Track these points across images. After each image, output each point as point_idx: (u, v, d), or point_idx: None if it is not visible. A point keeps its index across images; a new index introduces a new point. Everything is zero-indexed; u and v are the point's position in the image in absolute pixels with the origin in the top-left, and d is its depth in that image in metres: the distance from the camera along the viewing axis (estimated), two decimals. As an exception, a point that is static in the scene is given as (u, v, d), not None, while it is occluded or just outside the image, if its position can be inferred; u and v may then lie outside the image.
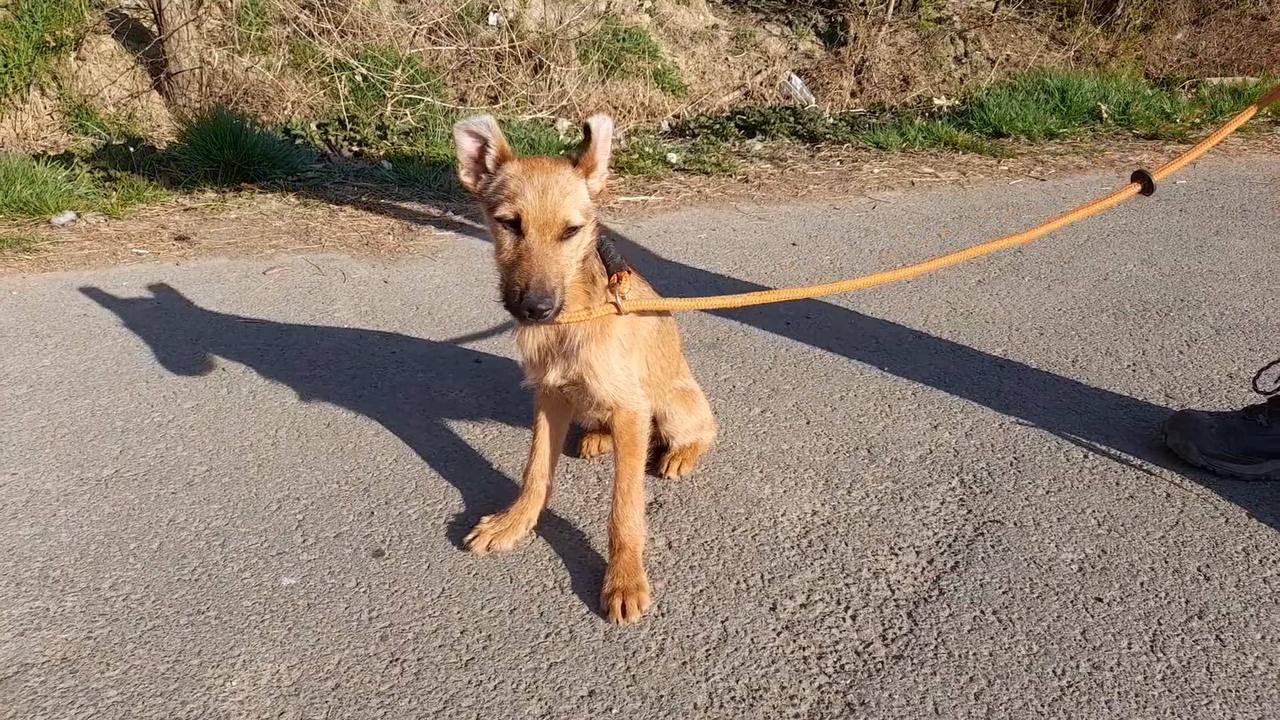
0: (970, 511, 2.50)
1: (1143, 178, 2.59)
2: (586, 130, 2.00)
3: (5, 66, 6.61)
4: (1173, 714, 1.84)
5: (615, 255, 2.16)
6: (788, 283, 4.17)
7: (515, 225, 1.92)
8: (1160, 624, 2.09)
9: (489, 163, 2.00)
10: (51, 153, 6.16)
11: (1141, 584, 2.22)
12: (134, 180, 5.14)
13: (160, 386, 3.11)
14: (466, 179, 2.04)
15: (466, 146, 2.00)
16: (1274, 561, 2.30)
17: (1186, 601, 2.16)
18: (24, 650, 1.97)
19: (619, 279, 2.11)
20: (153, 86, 7.19)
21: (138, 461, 2.68)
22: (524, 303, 1.87)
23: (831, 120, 7.55)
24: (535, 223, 1.91)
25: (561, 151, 5.97)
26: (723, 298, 2.53)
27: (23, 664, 1.93)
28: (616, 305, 2.10)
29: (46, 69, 6.86)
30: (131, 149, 6.06)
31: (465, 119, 2.00)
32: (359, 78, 6.98)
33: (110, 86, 7.07)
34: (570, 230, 1.94)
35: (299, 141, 6.06)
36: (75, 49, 7.04)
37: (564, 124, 7.28)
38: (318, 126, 6.37)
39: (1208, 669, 1.96)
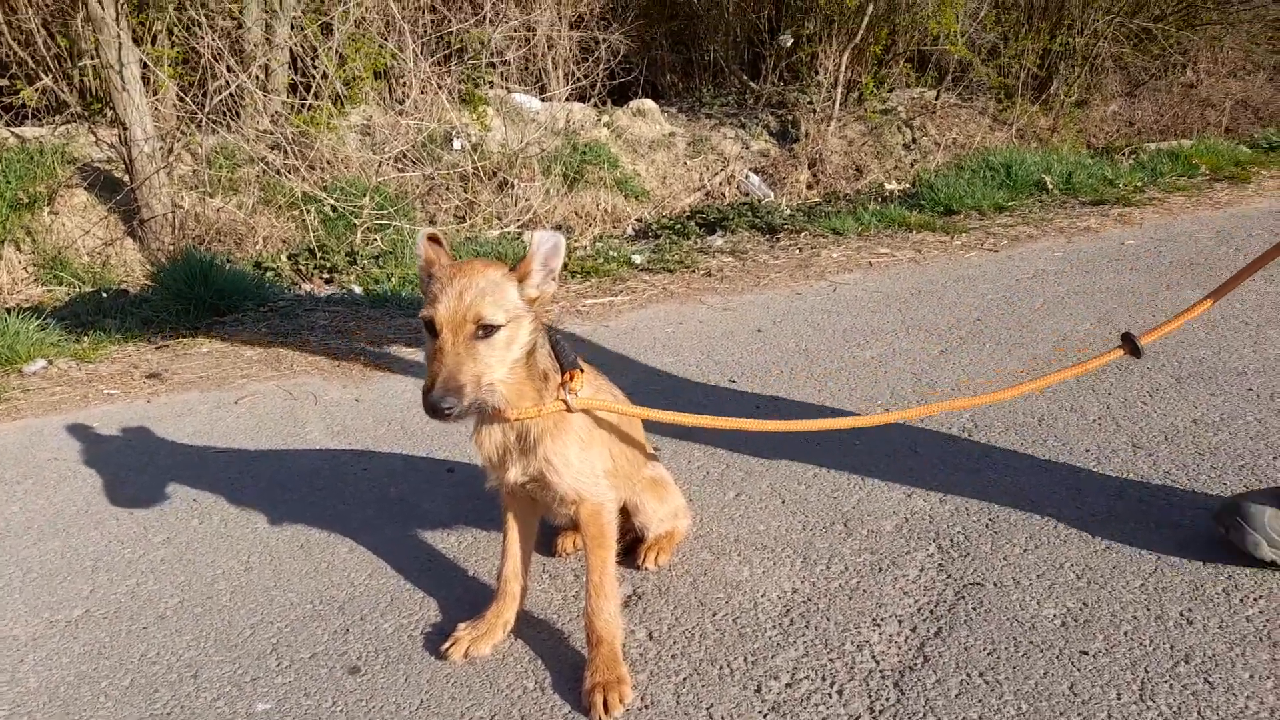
0: (950, 576, 2.49)
1: (1129, 341, 2.42)
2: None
3: (-21, 227, 6.75)
4: (1168, 762, 1.81)
5: (570, 354, 2.20)
6: (754, 369, 4.23)
7: (430, 326, 1.96)
8: (1147, 672, 2.07)
9: (420, 272, 2.08)
10: (25, 305, 6.24)
11: (1125, 633, 2.21)
12: (105, 324, 5.20)
13: (131, 523, 3.08)
14: (423, 289, 2.10)
15: (420, 259, 2.10)
16: (1255, 599, 2.29)
17: (1172, 647, 2.15)
18: (-13, 804, 1.90)
19: (570, 377, 2.15)
20: (126, 233, 7.34)
21: (108, 599, 2.63)
22: (427, 400, 1.87)
23: (789, 211, 7.78)
24: (448, 323, 1.92)
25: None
26: (673, 413, 2.48)
27: (-14, 818, 1.86)
28: (566, 403, 2.13)
29: (20, 225, 7.01)
30: (104, 294, 6.15)
31: (419, 232, 2.09)
32: (328, 208, 7.17)
33: (84, 236, 7.21)
34: (488, 329, 1.94)
35: (269, 273, 6.17)
36: (49, 203, 7.21)
37: (529, 235, 7.46)
38: (288, 257, 6.50)
39: (1199, 713, 1.93)
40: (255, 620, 2.50)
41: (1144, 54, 10.88)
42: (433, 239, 2.10)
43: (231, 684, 2.24)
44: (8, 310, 5.67)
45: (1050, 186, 7.79)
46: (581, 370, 2.20)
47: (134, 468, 3.51)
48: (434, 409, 1.86)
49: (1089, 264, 5.67)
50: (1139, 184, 7.81)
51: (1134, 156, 8.95)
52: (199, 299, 5.41)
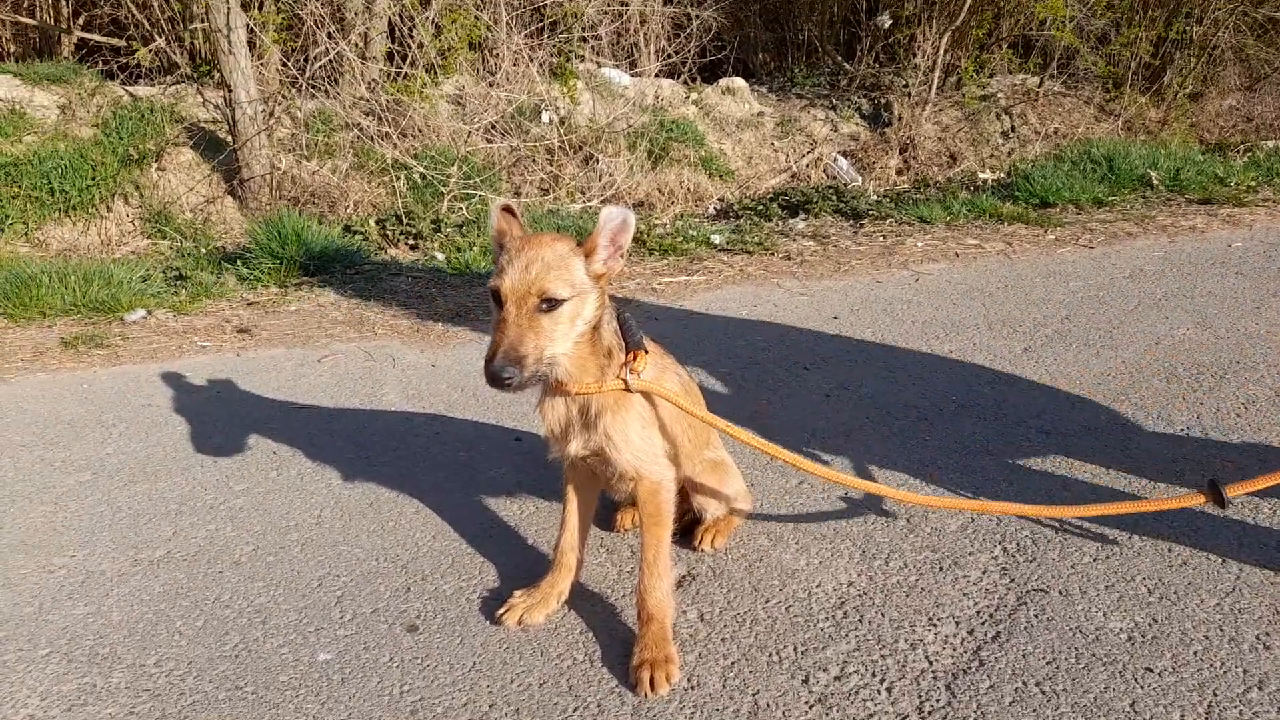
0: (1013, 580, 2.43)
1: (1215, 490, 2.22)
2: None
3: (94, 179, 7.10)
4: (1230, 790, 1.74)
5: (636, 333, 2.21)
6: (827, 357, 4.18)
7: (496, 297, 1.99)
8: (1216, 695, 1.99)
9: (492, 241, 2.13)
10: (130, 257, 6.56)
11: (1195, 653, 2.12)
12: (202, 278, 5.43)
13: (214, 470, 3.23)
14: (495, 260, 2.14)
15: (493, 228, 2.14)
16: (1340, 628, 2.18)
17: (1244, 671, 2.06)
18: (70, 725, 2.03)
19: (634, 356, 2.16)
20: (226, 192, 7.62)
21: (189, 543, 2.77)
22: (488, 368, 1.91)
23: (875, 197, 7.62)
24: (512, 295, 1.96)
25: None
26: (725, 422, 2.36)
27: (67, 738, 1.99)
28: (625, 382, 2.14)
29: (129, 179, 7.34)
30: (203, 250, 6.41)
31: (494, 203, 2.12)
32: (417, 176, 7.31)
33: (188, 194, 7.51)
34: (552, 302, 1.97)
35: (357, 238, 6.34)
36: (156, 160, 7.53)
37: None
38: (376, 223, 6.66)
39: (1268, 742, 1.85)
40: (323, 573, 2.59)
41: (1269, 45, 10.25)
42: (507, 210, 2.13)
43: (296, 632, 2.33)
44: (114, 261, 5.97)
45: (1156, 182, 7.44)
46: (646, 351, 2.21)
47: (220, 418, 3.67)
48: (494, 378, 1.90)
49: (1191, 265, 5.41)
50: (1253, 183, 7.40)
51: (1249, 154, 8.47)
52: (290, 259, 5.59)
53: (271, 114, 7.48)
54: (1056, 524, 2.64)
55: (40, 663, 2.23)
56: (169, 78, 7.96)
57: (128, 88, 7.85)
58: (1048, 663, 2.11)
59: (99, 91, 7.69)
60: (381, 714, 2.03)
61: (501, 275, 1.97)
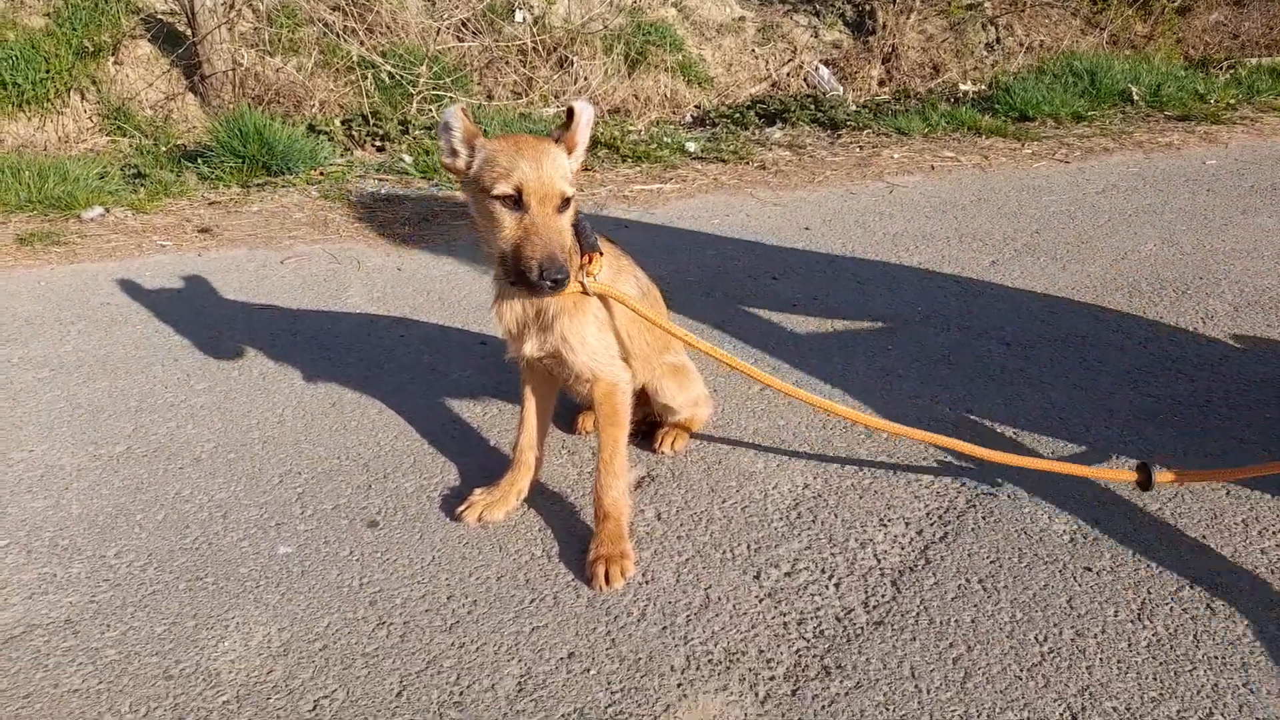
0: (964, 484, 2.49)
1: (1144, 472, 2.24)
2: (570, 112, 2.09)
3: (47, 72, 6.82)
4: (1155, 680, 1.82)
5: (590, 236, 2.19)
6: (797, 266, 4.17)
7: (516, 200, 1.97)
8: (1150, 593, 2.06)
9: (456, 144, 2.06)
10: (89, 154, 6.35)
11: (1134, 554, 2.19)
12: (162, 176, 5.29)
13: (175, 369, 3.20)
14: (447, 160, 2.10)
15: (444, 135, 2.08)
16: (1273, 532, 2.25)
17: (1179, 571, 2.13)
18: (31, 612, 2.05)
19: (589, 259, 2.14)
20: (188, 89, 7.36)
21: (149, 439, 2.76)
22: (545, 276, 1.91)
23: (854, 107, 7.50)
24: (535, 195, 1.96)
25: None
26: (682, 330, 2.37)
27: (29, 625, 2.01)
28: (583, 285, 2.13)
29: (85, 73, 7.06)
30: (162, 148, 6.23)
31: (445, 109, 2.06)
32: (385, 75, 7.09)
33: (147, 89, 7.25)
34: (565, 201, 2.01)
35: (323, 138, 6.17)
36: (113, 54, 7.23)
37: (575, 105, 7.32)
38: (342, 123, 6.48)
39: (1195, 636, 1.93)
40: (284, 470, 2.60)
41: (1260, -42, 10.02)
42: (464, 112, 2.08)
43: (257, 526, 2.35)
44: (71, 158, 5.79)
45: (1136, 97, 7.36)
46: (600, 254, 2.19)
47: (181, 317, 3.62)
48: (555, 281, 1.91)
49: (1164, 182, 5.40)
50: (1232, 101, 7.35)
51: (1232, 71, 8.38)
52: (252, 158, 5.45)
53: (232, 6, 7.18)
54: (975, 464, 2.58)
55: (-1, 553, 2.24)
56: (123, -37, 7.58)
57: (78, -26, 7.47)
58: (991, 561, 2.18)
59: (48, -24, 7.33)
60: (340, 604, 2.07)
61: (514, 177, 1.95)
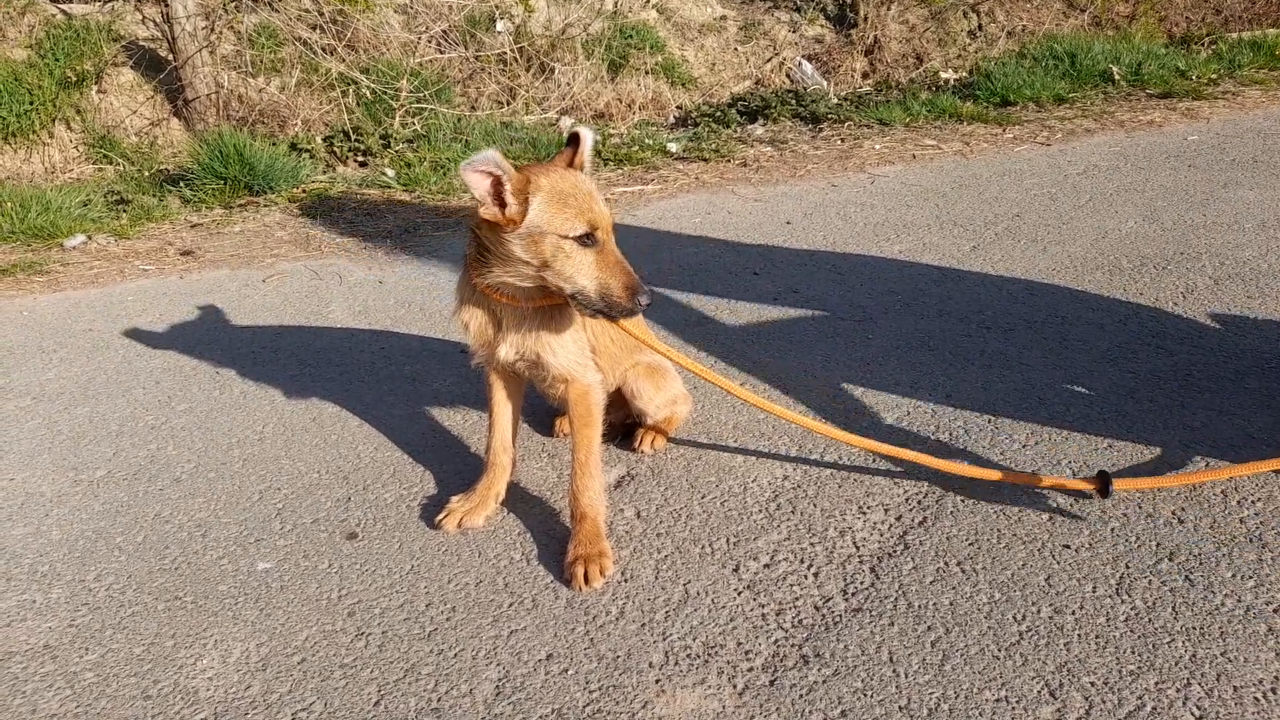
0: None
1: (1102, 479, 2.23)
2: (574, 138, 2.16)
3: (31, 104, 6.84)
4: (1133, 653, 1.81)
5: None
6: (778, 261, 4.17)
7: (589, 236, 2.01)
8: (1129, 568, 2.06)
9: (507, 195, 1.97)
10: (75, 183, 6.37)
11: (1113, 530, 2.19)
12: (144, 201, 5.30)
13: (156, 392, 3.20)
14: (488, 213, 1.99)
15: (480, 184, 1.96)
16: (1251, 502, 2.25)
17: (1157, 545, 2.13)
18: (9, 640, 2.05)
19: None
20: (172, 113, 7.38)
21: (129, 462, 2.77)
22: (639, 300, 2.03)
23: (835, 100, 7.50)
24: (604, 228, 2.04)
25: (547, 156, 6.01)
26: (664, 346, 2.41)
27: (7, 652, 2.01)
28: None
29: (69, 103, 7.08)
30: (146, 174, 6.24)
31: (469, 159, 1.94)
32: (366, 91, 7.11)
33: (131, 116, 7.27)
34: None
35: (305, 155, 6.18)
36: (96, 82, 7.26)
37: (566, 121, 7.34)
38: (323, 140, 6.49)
39: (1173, 608, 1.93)
40: (264, 486, 2.60)
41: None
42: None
43: (236, 544, 2.35)
44: (53, 187, 5.80)
45: (1117, 77, 7.35)
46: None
47: (162, 341, 3.63)
48: (650, 301, 2.07)
49: (1145, 160, 5.40)
50: (1213, 76, 7.34)
51: (1213, 47, 8.37)
52: (234, 179, 5.46)
53: (213, 29, 7.21)
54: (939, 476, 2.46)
55: (-21, 582, 2.24)
56: (102, -7, 7.62)
57: (60, 5, 7.51)
58: (970, 544, 2.17)
59: (29, 10, 7.36)
60: (319, 617, 2.07)
61: (588, 216, 2.00)
